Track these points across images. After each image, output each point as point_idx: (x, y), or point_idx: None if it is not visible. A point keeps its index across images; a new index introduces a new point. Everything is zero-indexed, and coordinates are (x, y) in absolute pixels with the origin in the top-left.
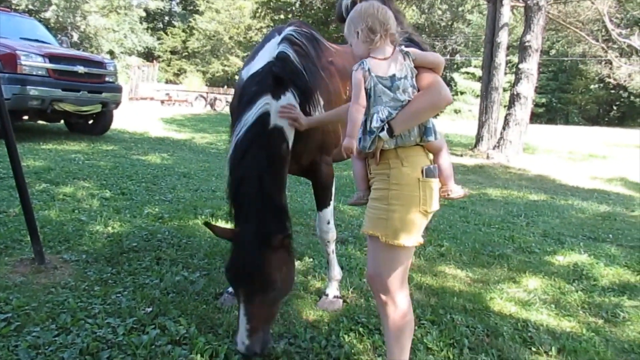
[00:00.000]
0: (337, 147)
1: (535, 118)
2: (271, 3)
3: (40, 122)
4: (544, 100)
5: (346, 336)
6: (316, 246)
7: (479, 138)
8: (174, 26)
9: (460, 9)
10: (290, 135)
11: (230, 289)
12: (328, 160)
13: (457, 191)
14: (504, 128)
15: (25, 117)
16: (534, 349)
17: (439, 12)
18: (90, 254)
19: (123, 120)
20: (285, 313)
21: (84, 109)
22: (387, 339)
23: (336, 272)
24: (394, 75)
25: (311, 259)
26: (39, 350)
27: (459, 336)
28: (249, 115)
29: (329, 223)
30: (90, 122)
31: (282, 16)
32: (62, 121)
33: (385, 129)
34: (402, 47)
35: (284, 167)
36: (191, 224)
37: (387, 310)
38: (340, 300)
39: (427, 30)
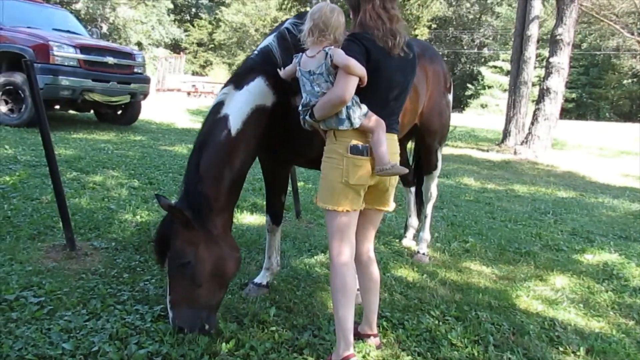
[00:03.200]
0: None
1: (565, 113)
2: None
3: (70, 111)
4: (574, 95)
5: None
6: None
7: (506, 133)
8: (201, 18)
9: (489, 1)
10: (235, 122)
11: (256, 280)
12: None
13: (383, 169)
14: (532, 123)
15: (57, 107)
16: (561, 349)
17: (467, 5)
18: (119, 242)
19: (150, 111)
20: (309, 305)
21: (113, 99)
22: (331, 297)
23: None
24: (310, 70)
25: None
26: (71, 334)
27: (484, 333)
28: (211, 104)
29: None
30: (119, 112)
31: (308, 8)
32: (91, 111)
33: (309, 113)
34: (329, 47)
35: (220, 152)
36: None
37: (330, 270)
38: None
39: (454, 23)
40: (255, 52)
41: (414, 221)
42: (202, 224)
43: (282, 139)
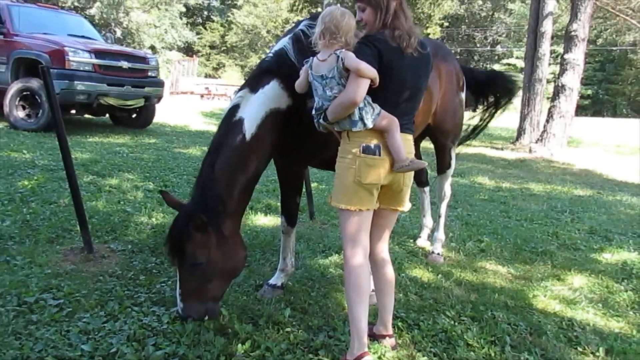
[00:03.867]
0: None
1: (580, 110)
2: None
3: (86, 115)
4: (590, 91)
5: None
6: None
7: (520, 131)
8: (213, 21)
9: None
10: (250, 126)
11: (271, 281)
12: None
13: (401, 166)
14: (547, 121)
15: (73, 111)
16: (579, 349)
17: (479, 2)
18: (135, 244)
19: (164, 114)
20: (324, 306)
21: (128, 103)
22: (345, 296)
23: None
24: (322, 75)
25: None
26: (89, 335)
27: (500, 333)
28: (227, 108)
29: None
30: (134, 115)
31: (319, 9)
32: (107, 115)
33: (322, 116)
34: (340, 50)
35: (235, 156)
36: None
37: (344, 269)
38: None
39: (466, 21)
40: (270, 54)
41: (428, 221)
42: (216, 226)
43: (296, 141)
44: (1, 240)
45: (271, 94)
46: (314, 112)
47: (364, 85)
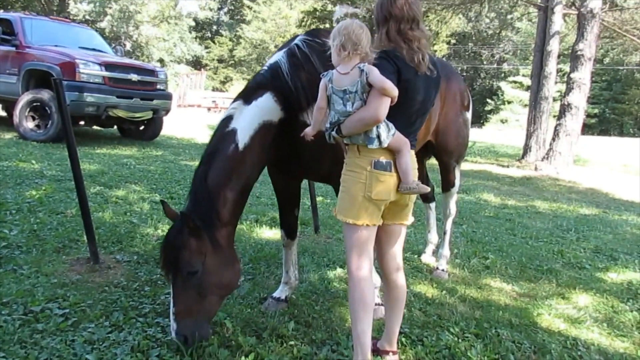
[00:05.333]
0: None
1: (587, 129)
2: (317, 12)
3: (95, 127)
4: (596, 110)
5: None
6: None
7: (526, 149)
8: (222, 35)
9: (508, 16)
10: (242, 137)
11: (275, 294)
12: None
13: (408, 188)
14: (553, 139)
15: (82, 123)
16: None
17: (487, 21)
18: (141, 255)
19: (172, 126)
20: (327, 320)
21: (136, 115)
22: (349, 310)
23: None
24: (346, 89)
25: None
26: (94, 345)
27: (504, 351)
28: (220, 118)
29: None
30: (142, 128)
31: (327, 25)
32: (115, 126)
33: (335, 130)
34: (363, 64)
35: (228, 165)
36: (236, 229)
37: (348, 284)
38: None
39: (473, 38)
40: (265, 67)
41: (433, 237)
42: (211, 234)
43: (290, 154)
44: (8, 249)
45: (264, 107)
46: (327, 125)
47: (387, 103)
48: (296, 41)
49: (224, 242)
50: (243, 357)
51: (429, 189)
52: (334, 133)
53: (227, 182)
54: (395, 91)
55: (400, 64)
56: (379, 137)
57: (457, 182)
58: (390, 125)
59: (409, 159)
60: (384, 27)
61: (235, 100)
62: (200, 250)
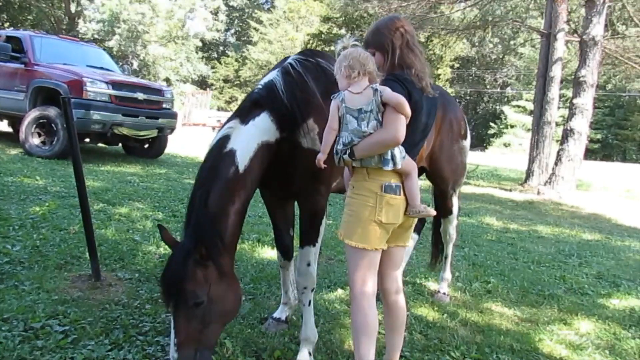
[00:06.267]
0: (336, 177)
1: (590, 154)
2: (322, 35)
3: (100, 144)
4: (599, 136)
5: (381, 337)
6: None
7: (529, 173)
8: (228, 56)
9: (512, 42)
10: (242, 159)
11: (275, 314)
12: (321, 191)
13: (416, 211)
14: (556, 164)
15: (87, 140)
16: None
17: (490, 45)
18: (142, 273)
19: (176, 144)
20: (327, 342)
21: (142, 133)
22: (352, 334)
23: (309, 332)
24: (361, 108)
25: None
26: None
27: None
28: (215, 138)
29: (309, 265)
30: (146, 146)
31: (332, 47)
32: (120, 144)
33: (348, 152)
34: (376, 84)
35: (229, 189)
36: (238, 249)
37: (351, 308)
38: None
39: (477, 63)
40: (259, 86)
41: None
42: (216, 261)
43: (285, 175)
44: (11, 265)
45: (262, 126)
46: (340, 147)
47: (404, 123)
48: (289, 60)
49: (227, 269)
50: None
51: (435, 213)
52: (345, 156)
53: (229, 206)
54: (409, 109)
55: (410, 86)
56: (393, 158)
57: (455, 209)
58: (401, 148)
59: (417, 182)
60: (386, 53)
61: (231, 119)
62: (206, 279)
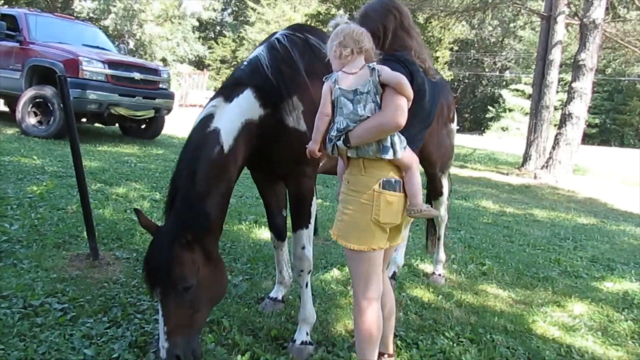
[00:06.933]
0: (323, 158)
1: (587, 139)
2: (320, 16)
3: (96, 124)
4: (597, 120)
5: None
6: None
7: (526, 157)
8: (225, 36)
9: (511, 25)
10: (227, 138)
11: (271, 294)
12: (308, 172)
13: (418, 210)
14: (553, 148)
15: (84, 120)
16: None
17: (490, 28)
18: (140, 253)
19: (173, 125)
20: (323, 322)
21: (138, 113)
22: (355, 341)
23: (308, 313)
24: (356, 89)
25: None
26: (92, 340)
27: (498, 357)
28: (198, 116)
29: (303, 248)
30: (143, 126)
31: (330, 29)
32: (116, 124)
33: (342, 139)
34: (373, 63)
35: (214, 169)
36: (235, 229)
37: (354, 314)
38: (310, 347)
39: (476, 45)
40: (245, 63)
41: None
42: (202, 243)
43: (269, 156)
44: (9, 244)
45: (245, 105)
46: (333, 133)
47: (406, 105)
48: (277, 35)
49: (213, 251)
50: (239, 356)
51: (438, 213)
52: (340, 143)
53: (214, 187)
54: (411, 91)
55: (413, 68)
56: (393, 146)
57: (446, 190)
58: (402, 136)
59: (419, 177)
60: (378, 38)
61: (214, 97)
62: (194, 262)
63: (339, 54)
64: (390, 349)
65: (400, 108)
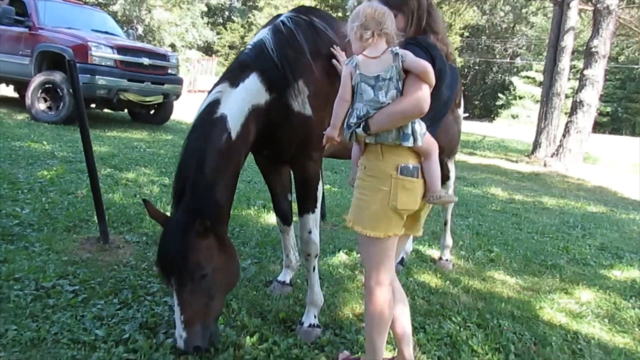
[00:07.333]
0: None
1: (598, 127)
2: (329, 0)
3: (105, 110)
4: (609, 109)
5: (391, 331)
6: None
7: (536, 145)
8: (234, 21)
9: (523, 10)
10: (234, 124)
11: (279, 277)
12: (314, 156)
13: (437, 197)
14: (564, 136)
15: (93, 105)
16: None
17: (501, 14)
18: (150, 237)
19: (181, 111)
20: (331, 305)
21: (147, 99)
22: (365, 326)
23: (315, 296)
24: (378, 75)
25: (358, 254)
26: (103, 321)
27: (505, 342)
28: (203, 102)
29: (310, 233)
30: (152, 112)
31: (339, 14)
32: (125, 110)
33: (362, 126)
34: (396, 47)
35: (222, 156)
36: (244, 214)
37: (365, 298)
38: (318, 330)
39: (487, 31)
40: (249, 46)
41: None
42: (216, 230)
43: (275, 140)
44: (21, 227)
45: (252, 89)
46: (352, 120)
47: (428, 92)
48: (282, 17)
49: (225, 236)
50: (248, 338)
51: (456, 199)
52: (359, 130)
53: (223, 174)
54: (434, 79)
55: (435, 53)
56: (414, 133)
57: (452, 174)
58: (422, 123)
59: (438, 163)
60: (411, 15)
61: (219, 82)
62: (209, 250)
63: (359, 35)
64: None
65: (424, 95)
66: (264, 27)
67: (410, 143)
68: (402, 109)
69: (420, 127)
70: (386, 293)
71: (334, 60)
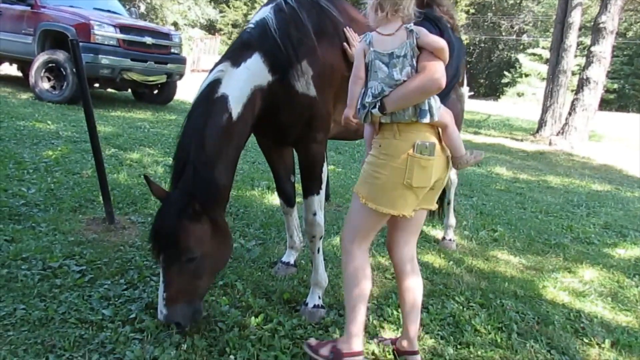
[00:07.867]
0: (331, 123)
1: (605, 105)
2: None
3: (109, 90)
4: (616, 85)
5: (395, 311)
6: None
7: (542, 123)
8: None
9: None
10: (235, 105)
11: (283, 258)
12: (318, 138)
13: (465, 161)
14: (569, 114)
15: (96, 85)
16: (585, 340)
17: None
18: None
19: (185, 91)
20: (335, 285)
21: (151, 78)
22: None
23: (320, 277)
24: (392, 52)
25: None
26: (110, 301)
27: (508, 321)
28: (204, 82)
29: (315, 215)
30: (155, 91)
31: None
32: (129, 90)
33: (377, 105)
34: (411, 25)
35: (222, 137)
36: (248, 195)
37: (343, 260)
38: (322, 311)
39: (493, 8)
40: (251, 25)
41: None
42: (210, 214)
43: (279, 122)
44: (27, 207)
45: (254, 70)
46: (368, 99)
47: (443, 67)
48: None
49: (220, 220)
50: (253, 318)
51: (484, 154)
52: (375, 110)
53: (223, 156)
54: (448, 55)
55: (442, 26)
56: (430, 109)
57: None
58: (436, 97)
59: (456, 130)
60: None
61: (220, 61)
62: (201, 234)
63: (376, 12)
64: (415, 345)
65: (441, 69)
66: (266, 4)
67: (427, 119)
68: (422, 84)
69: (435, 102)
70: (364, 256)
71: (344, 44)
